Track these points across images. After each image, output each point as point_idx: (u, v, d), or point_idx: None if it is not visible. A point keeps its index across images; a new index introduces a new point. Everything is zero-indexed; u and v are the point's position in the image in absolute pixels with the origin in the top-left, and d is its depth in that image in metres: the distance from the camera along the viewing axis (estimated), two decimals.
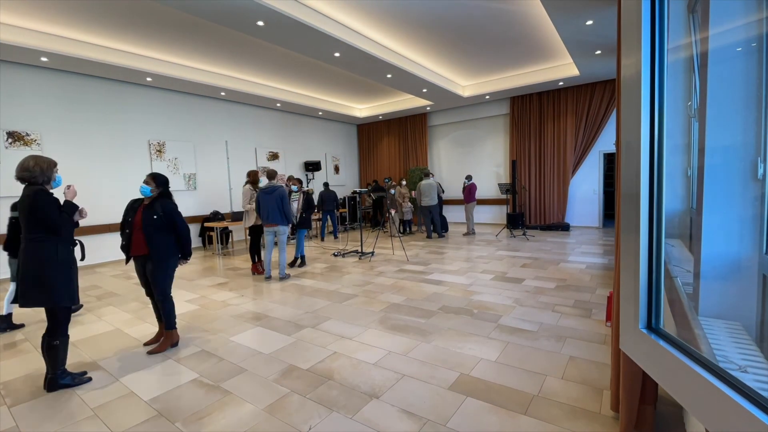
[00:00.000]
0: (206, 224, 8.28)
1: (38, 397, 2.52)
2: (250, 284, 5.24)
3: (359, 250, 7.27)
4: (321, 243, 8.86)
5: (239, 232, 9.52)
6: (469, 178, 9.23)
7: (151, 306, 3.93)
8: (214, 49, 6.65)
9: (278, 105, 9.88)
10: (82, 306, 4.44)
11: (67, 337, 2.64)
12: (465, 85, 9.64)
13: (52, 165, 2.60)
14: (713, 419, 0.86)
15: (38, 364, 2.99)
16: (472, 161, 11.21)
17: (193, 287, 5.18)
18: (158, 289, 3.12)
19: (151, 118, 7.82)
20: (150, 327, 3.72)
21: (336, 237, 9.63)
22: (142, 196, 3.16)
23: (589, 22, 5.43)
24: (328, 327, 3.56)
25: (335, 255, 7.14)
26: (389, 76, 7.70)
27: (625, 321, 1.23)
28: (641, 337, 1.16)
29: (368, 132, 13.23)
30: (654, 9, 1.11)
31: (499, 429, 2.02)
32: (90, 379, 2.71)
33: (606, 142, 9.04)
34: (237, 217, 7.79)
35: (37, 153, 6.30)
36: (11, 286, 3.54)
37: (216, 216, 8.24)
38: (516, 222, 9.63)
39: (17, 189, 6.42)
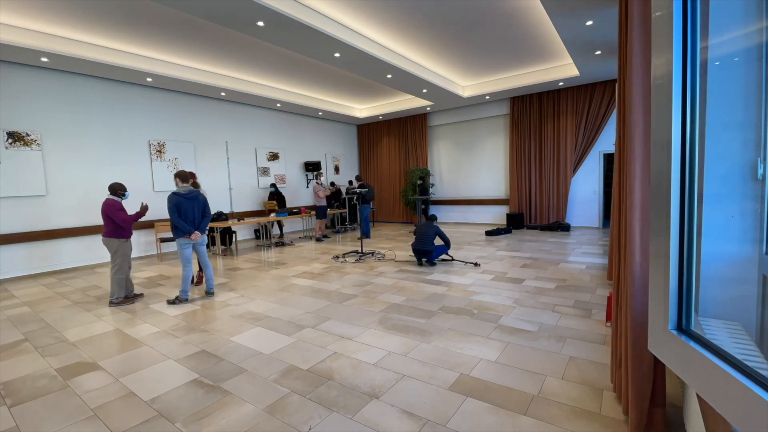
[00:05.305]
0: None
1: (38, 397, 2.52)
2: (250, 284, 5.24)
3: (359, 251, 7.27)
4: (320, 243, 8.86)
5: (241, 232, 9.53)
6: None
7: (150, 307, 4.44)
8: (214, 49, 6.65)
9: (278, 105, 9.88)
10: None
11: None
12: (465, 85, 9.64)
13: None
14: (753, 426, 0.83)
15: (38, 364, 2.99)
16: (472, 161, 11.22)
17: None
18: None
19: (151, 118, 7.82)
20: (150, 327, 3.72)
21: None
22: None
23: (589, 23, 5.43)
24: (328, 327, 3.56)
25: (335, 256, 7.14)
26: (389, 76, 7.70)
27: (653, 321, 1.18)
28: (671, 338, 1.11)
29: (368, 132, 13.23)
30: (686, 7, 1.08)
31: (499, 429, 2.02)
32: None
33: (606, 142, 9.03)
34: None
35: (37, 153, 6.31)
36: None
37: (220, 216, 8.22)
38: (516, 222, 9.64)
39: (17, 189, 6.39)
